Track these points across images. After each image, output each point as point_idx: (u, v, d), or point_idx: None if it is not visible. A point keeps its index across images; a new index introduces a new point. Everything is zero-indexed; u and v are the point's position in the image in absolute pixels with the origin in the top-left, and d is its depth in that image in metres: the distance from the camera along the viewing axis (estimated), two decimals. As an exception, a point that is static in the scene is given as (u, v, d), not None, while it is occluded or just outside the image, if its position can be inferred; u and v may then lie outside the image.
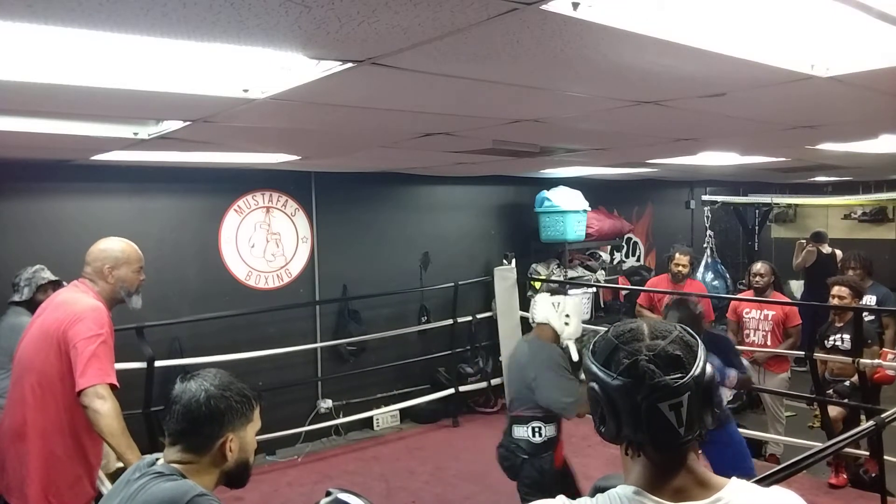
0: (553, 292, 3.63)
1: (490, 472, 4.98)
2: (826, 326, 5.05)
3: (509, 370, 3.54)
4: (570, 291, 6.64)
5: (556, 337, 3.43)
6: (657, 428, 1.07)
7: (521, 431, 3.25)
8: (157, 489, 1.51)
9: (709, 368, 1.11)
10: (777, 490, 1.18)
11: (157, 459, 1.64)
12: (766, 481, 2.04)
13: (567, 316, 3.44)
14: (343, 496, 1.47)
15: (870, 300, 5.26)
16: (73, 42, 1.53)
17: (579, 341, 3.47)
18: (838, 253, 7.08)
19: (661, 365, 1.07)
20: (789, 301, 5.35)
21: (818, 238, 7.32)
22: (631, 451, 1.12)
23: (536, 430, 3.23)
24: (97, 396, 2.42)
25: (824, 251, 7.22)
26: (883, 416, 2.96)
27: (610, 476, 1.29)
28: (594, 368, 1.13)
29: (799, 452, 2.73)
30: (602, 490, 1.16)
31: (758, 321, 5.32)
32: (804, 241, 7.39)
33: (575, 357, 3.34)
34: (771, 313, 5.25)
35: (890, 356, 4.62)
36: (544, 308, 3.45)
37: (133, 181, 4.94)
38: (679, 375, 1.07)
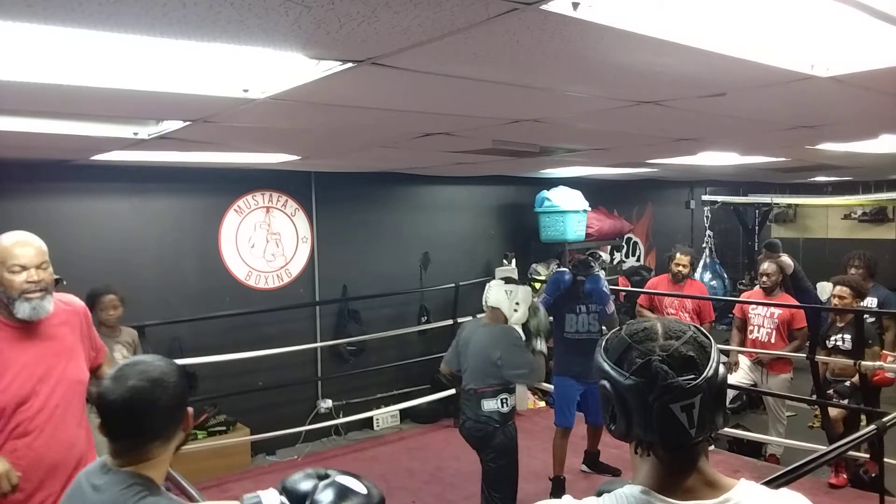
0: (507, 281, 3.98)
1: (490, 472, 4.99)
2: (827, 326, 5.05)
3: (466, 351, 3.84)
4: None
5: (506, 320, 3.82)
6: (668, 429, 1.07)
7: (492, 404, 3.63)
8: None
9: (722, 369, 1.10)
10: (785, 492, 1.18)
11: (104, 463, 1.54)
12: (772, 484, 2.04)
13: (517, 304, 3.83)
14: (341, 478, 1.45)
15: (871, 302, 5.24)
16: (74, 42, 1.53)
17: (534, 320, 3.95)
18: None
19: (675, 366, 1.06)
20: (793, 304, 5.32)
21: (772, 248, 7.03)
22: (641, 450, 1.12)
23: (504, 400, 3.65)
24: None
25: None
26: (884, 419, 2.96)
27: (613, 481, 1.28)
28: (606, 366, 1.12)
29: (799, 453, 2.73)
30: (607, 493, 1.16)
31: (763, 317, 5.32)
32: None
33: (531, 315, 3.87)
34: (778, 311, 5.25)
35: (890, 358, 4.61)
36: (497, 294, 3.84)
37: (133, 181, 4.95)
38: (692, 377, 1.06)
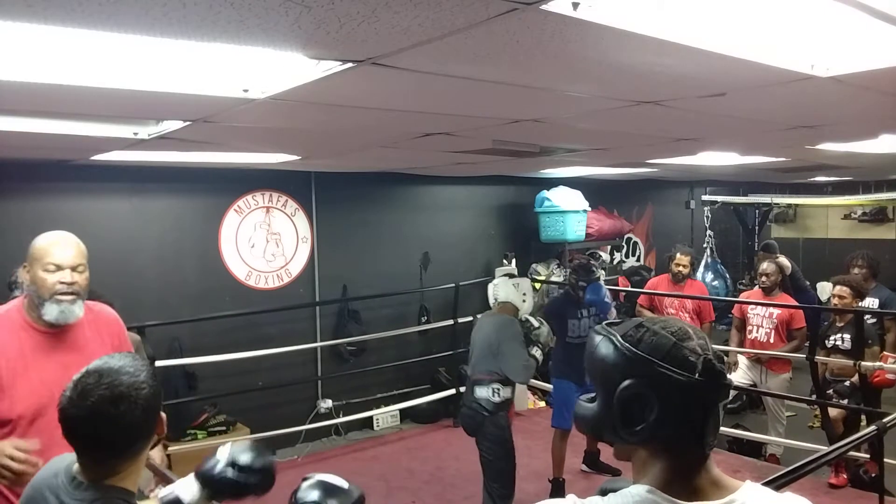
0: (510, 276, 4.11)
1: (490, 473, 4.99)
2: (827, 326, 5.05)
3: (474, 340, 3.95)
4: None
5: (516, 312, 3.93)
6: (712, 427, 1.07)
7: (483, 392, 3.70)
8: None
9: None
10: (790, 495, 1.17)
11: (75, 476, 1.43)
12: (771, 485, 2.04)
13: (524, 294, 3.97)
14: (321, 476, 1.47)
15: (872, 303, 5.24)
16: (73, 42, 1.53)
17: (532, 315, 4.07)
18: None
19: (721, 365, 1.08)
20: (793, 304, 5.33)
21: (769, 249, 7.15)
22: (659, 451, 1.09)
23: (496, 390, 3.70)
24: None
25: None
26: (884, 420, 2.96)
27: (615, 479, 1.28)
28: (656, 365, 1.04)
29: (799, 453, 2.73)
30: (612, 491, 1.15)
31: (762, 318, 5.32)
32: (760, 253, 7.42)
33: (536, 324, 3.93)
34: (776, 311, 5.25)
35: (890, 360, 4.61)
36: (507, 290, 3.96)
37: (133, 181, 4.95)
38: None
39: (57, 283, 2.17)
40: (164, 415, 1.51)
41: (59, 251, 2.21)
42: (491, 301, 4.12)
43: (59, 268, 2.19)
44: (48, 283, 2.17)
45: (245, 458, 1.57)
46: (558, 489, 4.49)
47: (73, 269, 2.21)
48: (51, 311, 2.18)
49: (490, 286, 4.17)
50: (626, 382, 1.06)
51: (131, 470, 1.45)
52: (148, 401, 1.41)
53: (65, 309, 2.19)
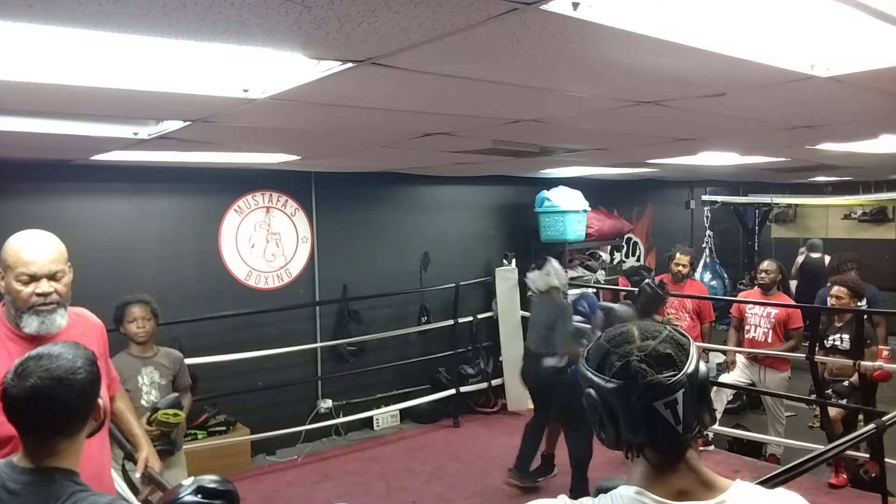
0: (538, 267, 4.70)
1: (490, 472, 4.99)
2: (826, 326, 5.06)
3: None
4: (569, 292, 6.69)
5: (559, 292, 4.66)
6: (655, 428, 1.07)
7: (552, 361, 4.40)
8: None
9: (703, 366, 1.12)
10: (782, 491, 1.18)
11: (16, 464, 1.51)
12: (768, 483, 2.05)
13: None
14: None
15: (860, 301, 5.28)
16: (73, 42, 1.53)
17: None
18: (826, 258, 7.61)
19: (653, 364, 1.08)
20: (791, 304, 5.34)
21: (811, 247, 8.27)
22: (632, 454, 1.13)
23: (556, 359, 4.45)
24: None
25: (814, 256, 8.22)
26: (884, 419, 2.96)
27: (612, 477, 1.28)
28: (589, 374, 1.14)
29: (799, 453, 2.73)
30: (605, 490, 1.16)
31: (759, 317, 5.34)
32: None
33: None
34: (774, 311, 5.26)
35: (885, 352, 4.65)
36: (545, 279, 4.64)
37: (133, 181, 4.95)
38: (672, 373, 1.07)
39: (32, 296, 1.99)
40: (101, 401, 1.59)
41: (32, 258, 2.00)
42: (537, 289, 4.67)
43: (33, 278, 1.99)
44: (23, 295, 1.99)
45: (210, 482, 1.60)
46: (546, 464, 4.68)
47: (51, 277, 2.02)
48: (30, 324, 2.01)
49: (534, 276, 4.71)
50: (585, 391, 1.15)
51: (70, 451, 1.53)
52: (84, 385, 1.51)
53: (45, 320, 2.03)
